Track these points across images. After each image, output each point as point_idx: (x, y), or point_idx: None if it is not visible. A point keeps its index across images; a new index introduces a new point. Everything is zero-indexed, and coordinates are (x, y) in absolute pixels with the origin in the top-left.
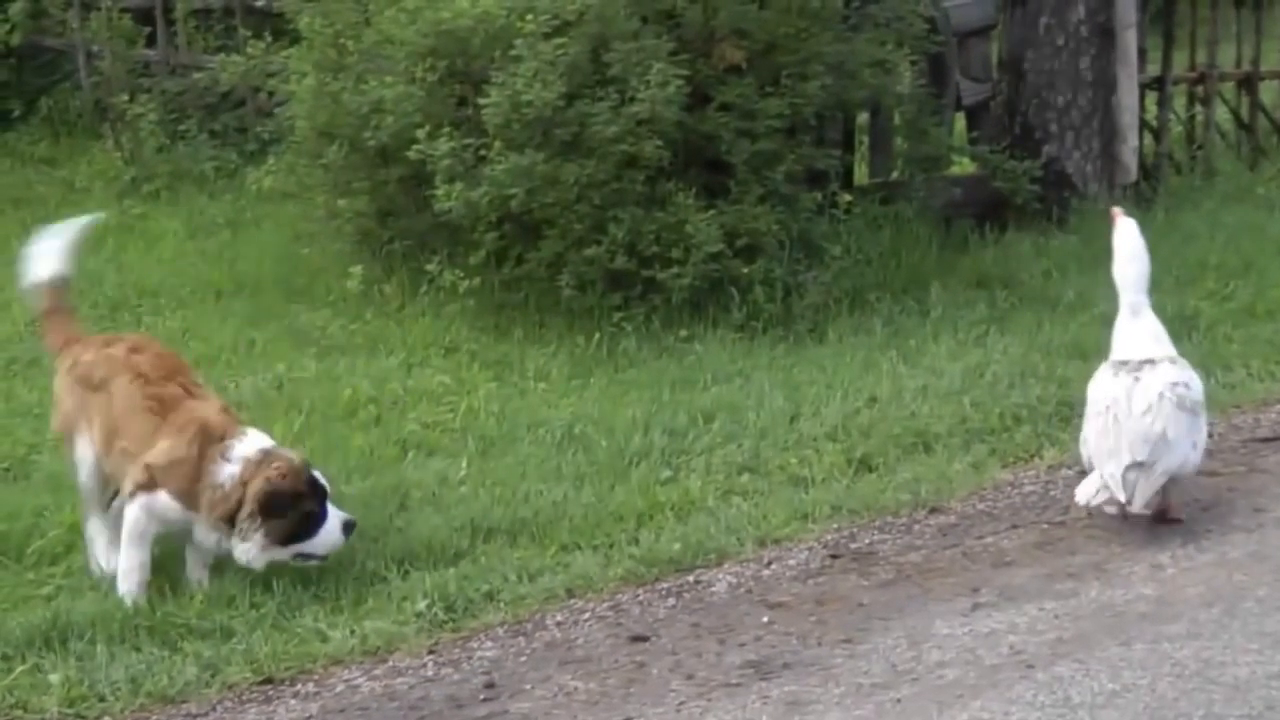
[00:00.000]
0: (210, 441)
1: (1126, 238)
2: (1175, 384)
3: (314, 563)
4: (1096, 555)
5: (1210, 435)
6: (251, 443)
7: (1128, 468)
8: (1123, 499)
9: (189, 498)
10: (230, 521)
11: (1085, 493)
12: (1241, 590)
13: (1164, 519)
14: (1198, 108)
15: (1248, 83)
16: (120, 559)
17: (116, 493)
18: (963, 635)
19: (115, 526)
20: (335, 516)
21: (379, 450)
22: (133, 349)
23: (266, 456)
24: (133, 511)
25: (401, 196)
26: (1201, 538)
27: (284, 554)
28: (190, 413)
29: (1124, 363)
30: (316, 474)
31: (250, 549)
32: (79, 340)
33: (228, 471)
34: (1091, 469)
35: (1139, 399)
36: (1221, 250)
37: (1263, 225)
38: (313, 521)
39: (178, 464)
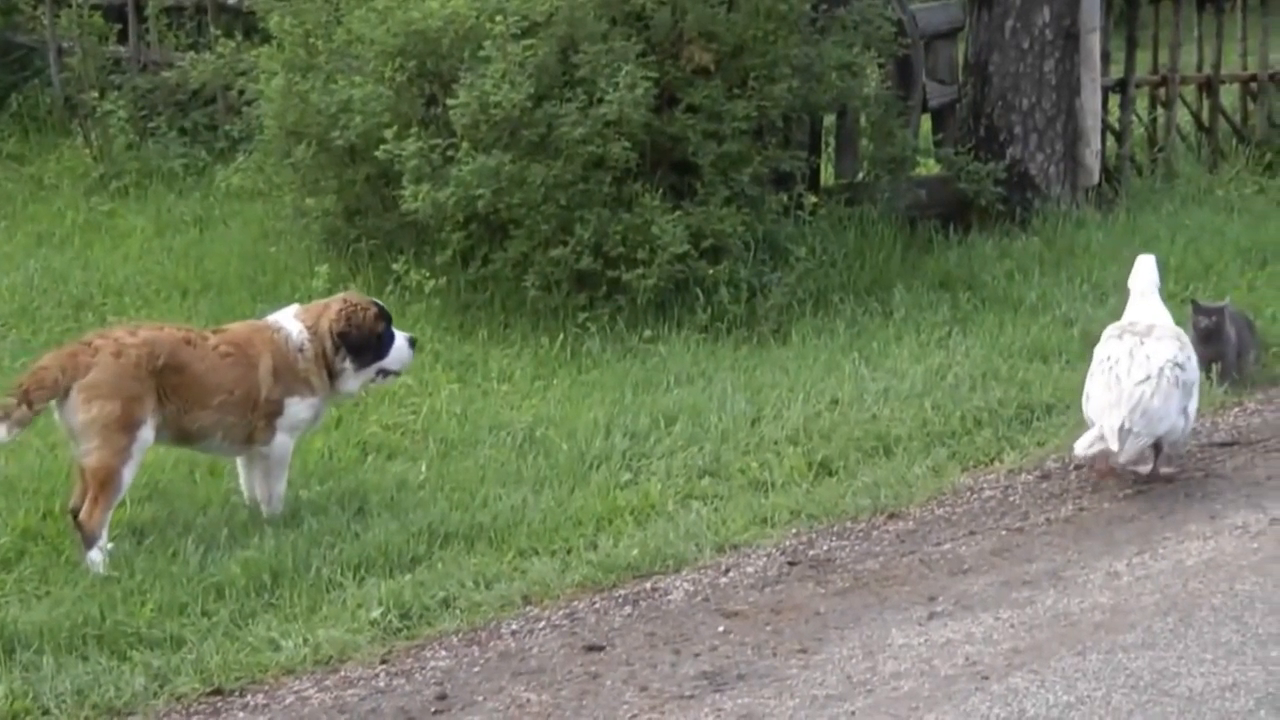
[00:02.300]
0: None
1: (1145, 261)
2: (1174, 362)
3: (390, 380)
4: (1053, 562)
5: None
6: (285, 313)
7: (1122, 425)
8: (1115, 449)
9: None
10: (331, 373)
11: (1083, 445)
12: (1196, 599)
13: (1155, 477)
14: (1159, 111)
15: (1208, 86)
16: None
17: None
18: (919, 645)
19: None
20: (401, 336)
21: (339, 453)
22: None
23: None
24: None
25: (369, 196)
26: (1158, 545)
27: (370, 374)
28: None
29: (1130, 326)
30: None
31: (348, 381)
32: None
33: (297, 336)
34: (1091, 425)
35: (1139, 366)
36: (1182, 252)
37: (1222, 228)
38: (384, 341)
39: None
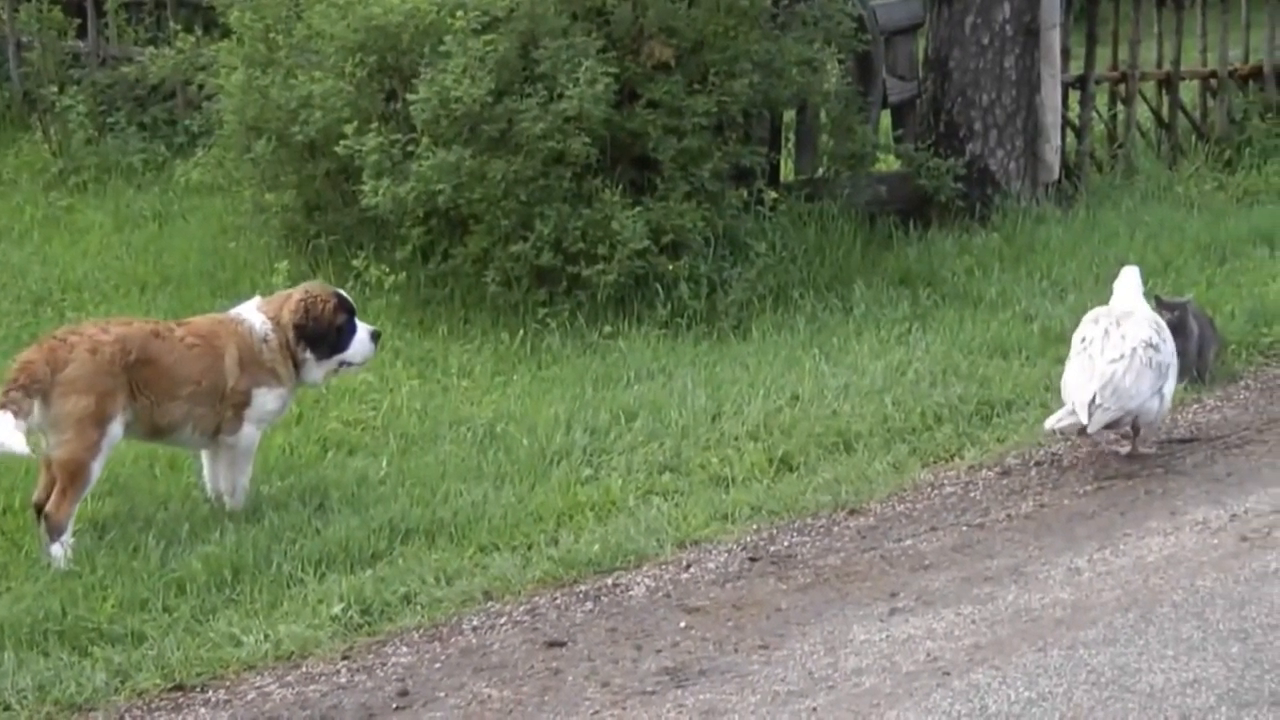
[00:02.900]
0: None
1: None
2: (1149, 343)
3: (354, 370)
4: (1014, 558)
5: (1136, 431)
6: (248, 305)
7: (1092, 399)
8: (1084, 421)
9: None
10: (295, 363)
11: (1053, 420)
12: (1157, 595)
13: (1134, 455)
14: (1119, 107)
15: (1168, 82)
16: (246, 475)
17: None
18: (880, 641)
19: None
20: (364, 328)
21: (299, 449)
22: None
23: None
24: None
25: (329, 191)
26: (1119, 541)
27: (332, 365)
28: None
29: (1108, 311)
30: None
31: (311, 371)
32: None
33: (260, 327)
34: (1065, 403)
35: (1114, 345)
36: (1141, 248)
37: (1181, 224)
38: (344, 332)
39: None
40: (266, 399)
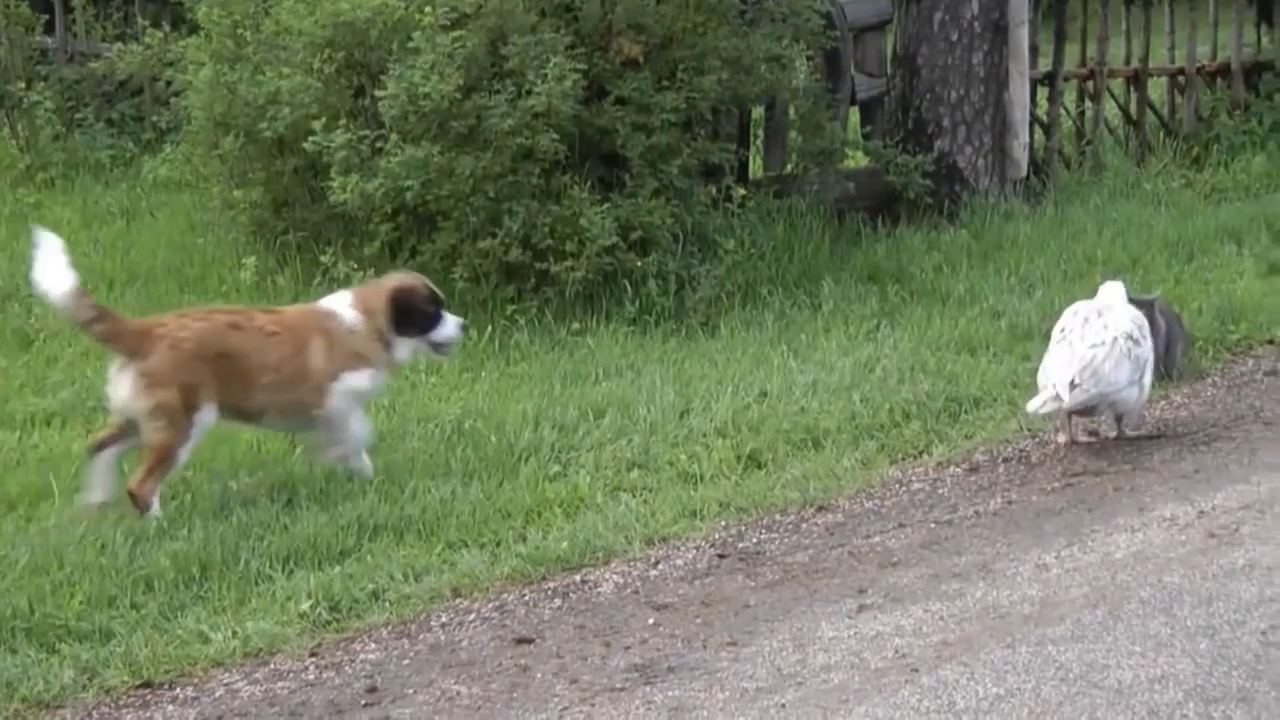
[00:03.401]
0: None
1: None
2: (1129, 334)
3: (443, 354)
4: (982, 555)
5: (1095, 434)
6: (337, 298)
7: (1072, 380)
8: (1065, 398)
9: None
10: (386, 344)
11: (1034, 404)
12: (1125, 591)
13: (1123, 437)
14: (1087, 103)
15: (1136, 79)
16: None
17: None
18: (848, 638)
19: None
20: (452, 318)
21: (267, 445)
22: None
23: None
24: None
25: (297, 187)
26: (1086, 537)
27: (420, 346)
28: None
29: (1089, 304)
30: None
31: (399, 351)
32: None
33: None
34: (1043, 389)
35: (1094, 332)
36: (1109, 245)
37: (1149, 221)
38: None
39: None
40: (356, 379)
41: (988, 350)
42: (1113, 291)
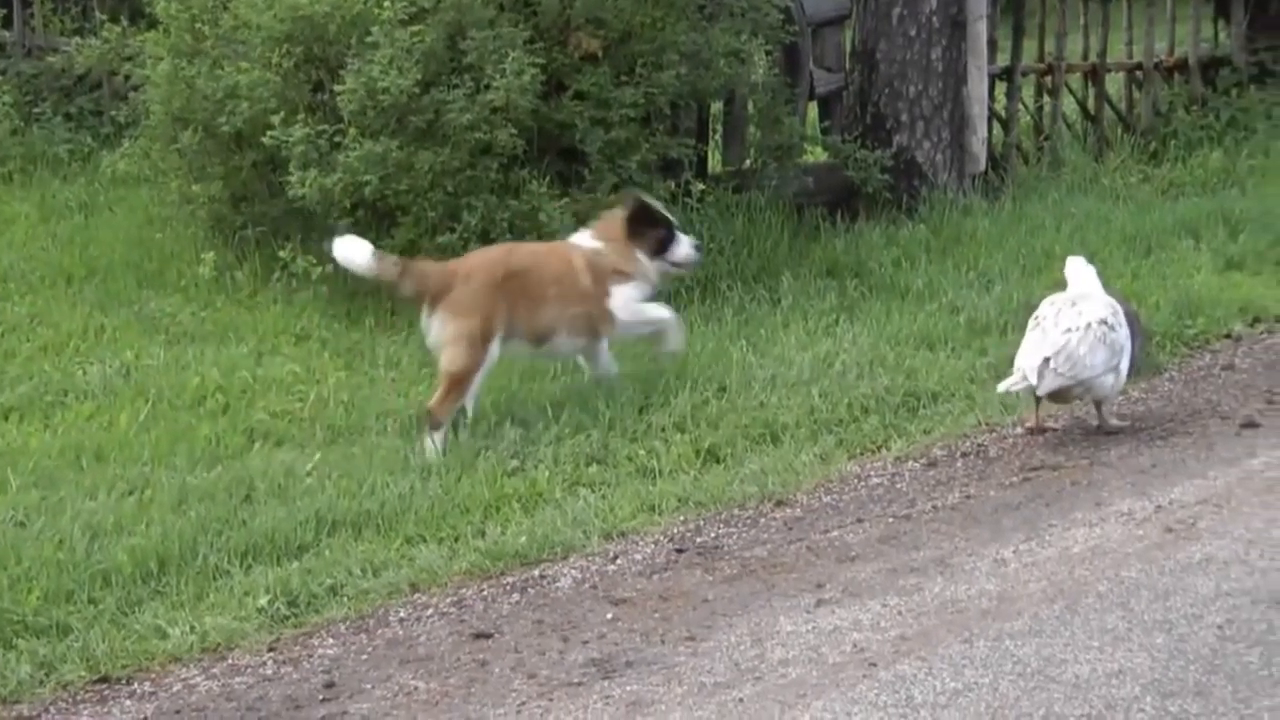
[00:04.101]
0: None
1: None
2: (1104, 321)
3: (682, 271)
4: (940, 550)
5: (1055, 428)
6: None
7: (1043, 361)
8: (1034, 383)
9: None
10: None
11: (1005, 384)
12: (1083, 586)
13: (1105, 429)
14: (1045, 99)
15: (1094, 74)
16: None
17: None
18: (806, 632)
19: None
20: (686, 238)
21: (226, 440)
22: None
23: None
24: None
25: (255, 182)
26: (1044, 532)
27: (661, 263)
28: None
29: (1065, 294)
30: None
31: (647, 272)
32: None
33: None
34: (1015, 373)
35: (1067, 318)
36: (1067, 241)
37: (1107, 216)
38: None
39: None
40: (625, 290)
41: (946, 345)
42: (1077, 265)
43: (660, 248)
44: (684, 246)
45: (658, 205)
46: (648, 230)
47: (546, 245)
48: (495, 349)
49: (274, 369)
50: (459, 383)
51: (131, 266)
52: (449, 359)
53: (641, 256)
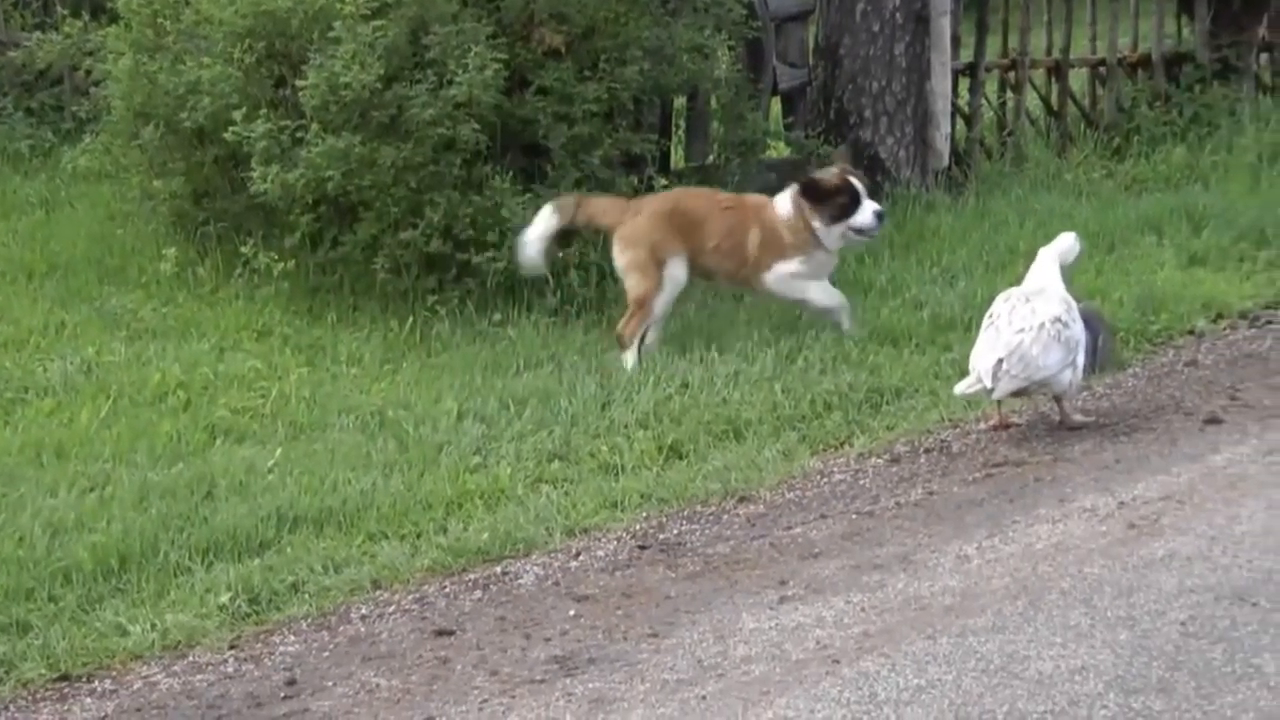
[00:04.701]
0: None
1: (1063, 236)
2: (1058, 319)
3: (865, 238)
4: (903, 546)
5: (1019, 424)
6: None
7: (996, 363)
8: (989, 386)
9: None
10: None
11: (961, 386)
12: (1046, 582)
13: (1071, 426)
14: (1009, 94)
15: (1057, 70)
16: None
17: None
18: (769, 629)
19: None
20: (871, 205)
21: (187, 436)
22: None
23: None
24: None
25: (217, 178)
26: (1007, 528)
27: (841, 229)
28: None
29: (1020, 290)
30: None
31: (826, 237)
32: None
33: (783, 209)
34: (971, 374)
35: (1021, 318)
36: (1031, 236)
37: (1071, 212)
38: (851, 203)
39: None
40: (783, 266)
41: (910, 341)
42: (1043, 260)
43: (840, 214)
44: (864, 214)
45: (842, 175)
46: (828, 196)
47: (735, 198)
48: (675, 273)
49: (236, 365)
50: (639, 306)
51: (93, 262)
52: (629, 286)
53: (819, 224)
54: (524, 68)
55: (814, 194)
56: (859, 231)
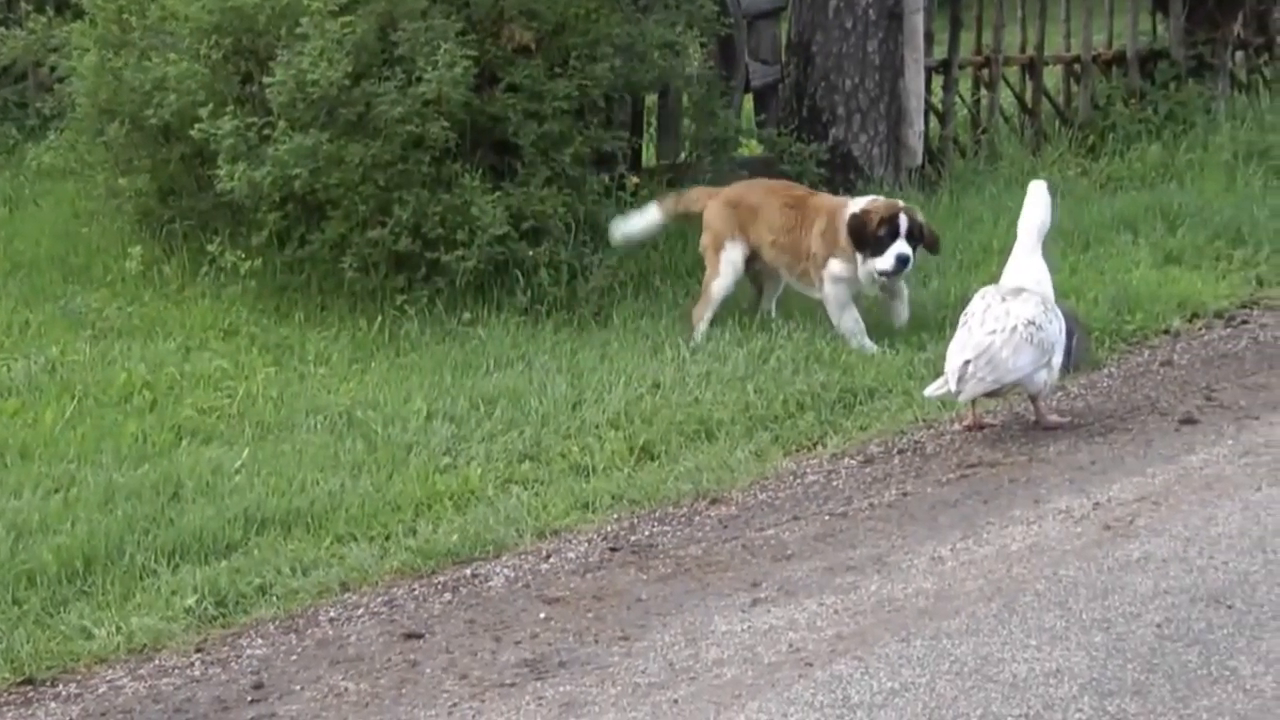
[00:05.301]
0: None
1: (1035, 193)
2: (1031, 320)
3: (888, 280)
4: (877, 548)
5: (994, 424)
6: (856, 203)
7: (964, 363)
8: (954, 389)
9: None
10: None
11: (931, 388)
12: (1020, 584)
13: (1047, 426)
14: (982, 92)
15: (1031, 67)
16: (843, 323)
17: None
18: (741, 632)
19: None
20: (896, 247)
21: (153, 437)
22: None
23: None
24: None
25: (184, 175)
26: (981, 530)
27: (868, 268)
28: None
29: (997, 287)
30: (900, 213)
31: (874, 263)
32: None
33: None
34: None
35: (994, 319)
36: (1005, 235)
37: None
38: (879, 245)
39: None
40: (838, 268)
41: (883, 341)
42: (1037, 189)
43: (871, 253)
44: (884, 258)
45: (892, 210)
46: (861, 235)
47: (808, 201)
48: (733, 259)
49: (202, 365)
50: (705, 288)
51: (57, 261)
52: (707, 270)
53: (856, 253)
54: (494, 65)
55: (856, 226)
56: (882, 273)
